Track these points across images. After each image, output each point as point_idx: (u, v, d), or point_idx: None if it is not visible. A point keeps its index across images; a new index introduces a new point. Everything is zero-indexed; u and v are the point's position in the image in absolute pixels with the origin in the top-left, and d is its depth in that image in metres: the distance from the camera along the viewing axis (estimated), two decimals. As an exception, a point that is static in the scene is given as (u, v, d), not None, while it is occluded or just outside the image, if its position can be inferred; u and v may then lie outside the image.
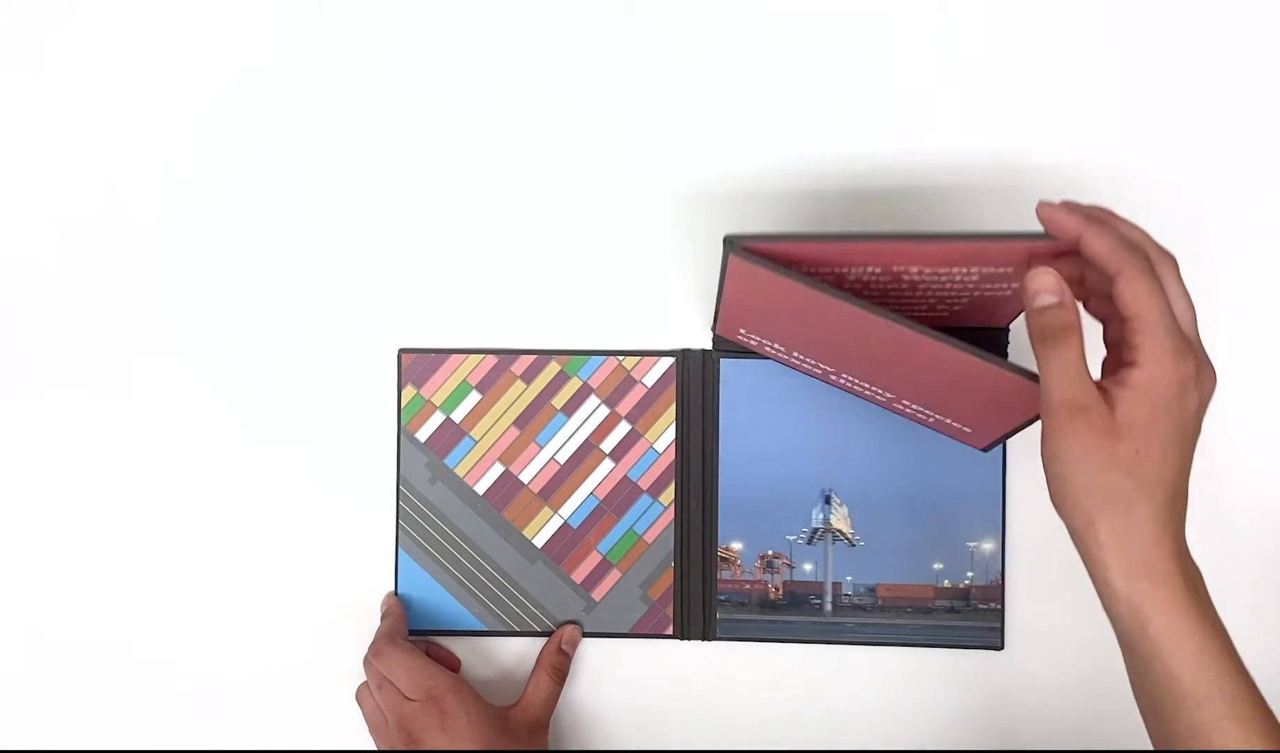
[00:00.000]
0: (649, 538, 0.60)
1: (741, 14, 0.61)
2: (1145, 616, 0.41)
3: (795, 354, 0.56)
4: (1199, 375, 0.41)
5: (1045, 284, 0.42)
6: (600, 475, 0.61)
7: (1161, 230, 0.45)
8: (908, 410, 0.56)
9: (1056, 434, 0.41)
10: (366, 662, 0.57)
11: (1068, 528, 0.43)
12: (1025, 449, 0.59)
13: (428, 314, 0.62)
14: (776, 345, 0.56)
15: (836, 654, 0.60)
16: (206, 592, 0.61)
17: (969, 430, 0.56)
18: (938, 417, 0.56)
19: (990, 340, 0.59)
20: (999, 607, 0.59)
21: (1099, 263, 0.42)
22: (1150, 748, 0.44)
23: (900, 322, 0.45)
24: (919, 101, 0.61)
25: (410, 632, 0.60)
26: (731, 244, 0.46)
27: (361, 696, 0.58)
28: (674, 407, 0.61)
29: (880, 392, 0.56)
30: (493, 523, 0.61)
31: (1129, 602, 0.41)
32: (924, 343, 0.46)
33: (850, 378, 0.56)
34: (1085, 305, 0.46)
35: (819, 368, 0.56)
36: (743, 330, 0.56)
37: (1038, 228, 0.44)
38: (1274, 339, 0.60)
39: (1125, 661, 0.43)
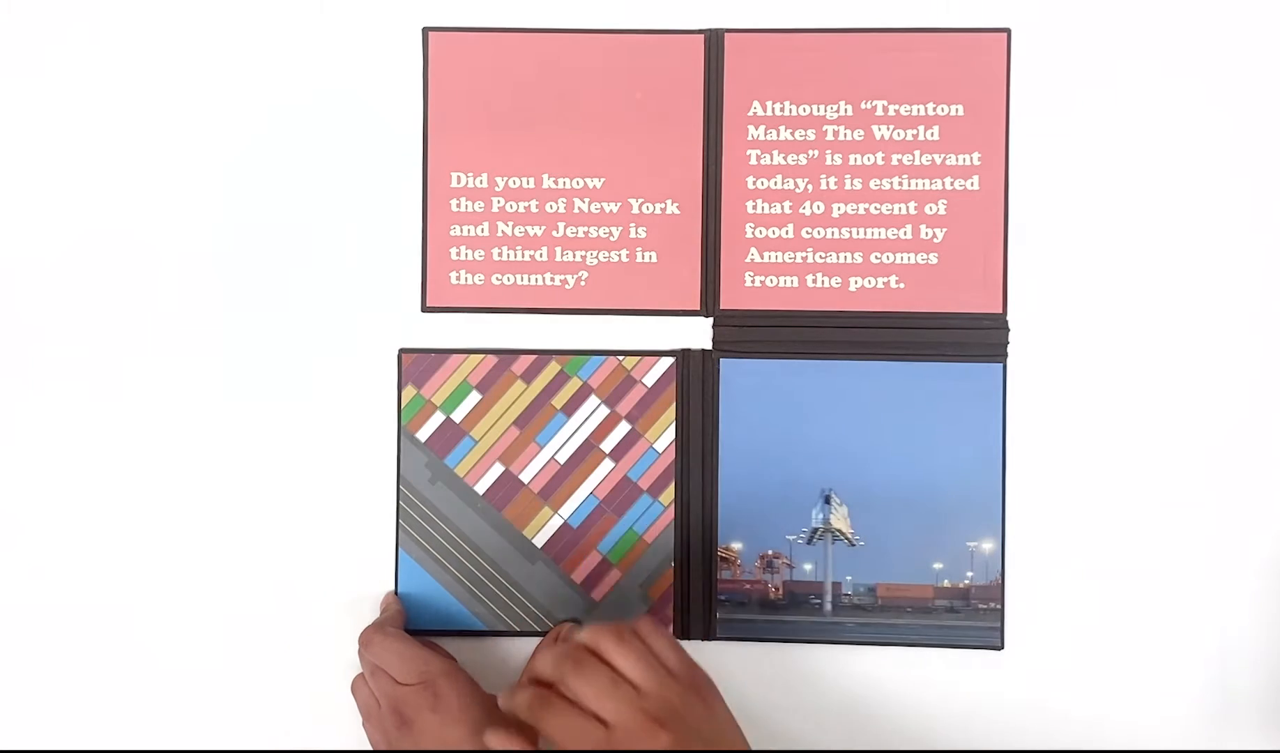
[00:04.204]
0: (649, 538, 0.60)
1: (738, 20, 0.61)
2: None
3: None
4: None
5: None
6: (600, 475, 0.61)
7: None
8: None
9: None
10: (360, 654, 0.58)
11: None
12: (1026, 449, 0.60)
13: (428, 314, 0.62)
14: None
15: (836, 654, 0.60)
16: (207, 591, 0.61)
17: None
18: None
19: (989, 331, 0.59)
20: (999, 607, 0.59)
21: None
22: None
23: None
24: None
25: (410, 632, 0.60)
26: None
27: (356, 687, 0.58)
28: (674, 407, 0.61)
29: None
30: (493, 523, 0.61)
31: None
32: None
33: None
34: None
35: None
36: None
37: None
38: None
39: None
